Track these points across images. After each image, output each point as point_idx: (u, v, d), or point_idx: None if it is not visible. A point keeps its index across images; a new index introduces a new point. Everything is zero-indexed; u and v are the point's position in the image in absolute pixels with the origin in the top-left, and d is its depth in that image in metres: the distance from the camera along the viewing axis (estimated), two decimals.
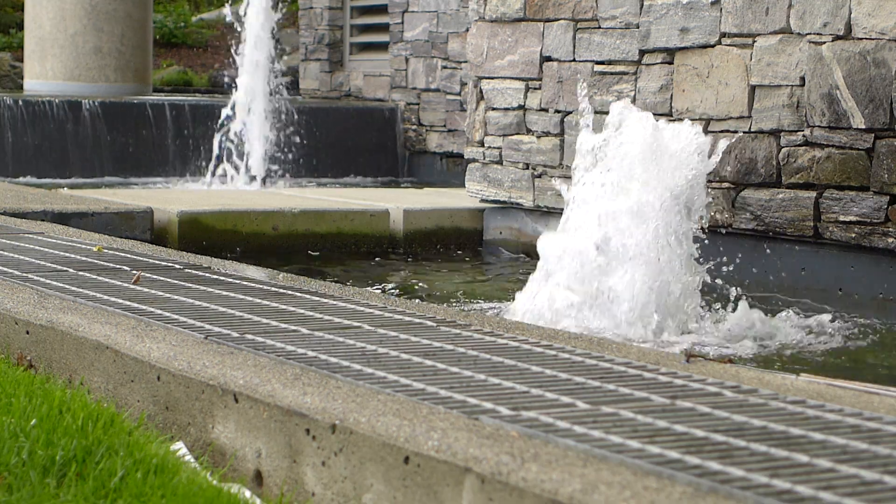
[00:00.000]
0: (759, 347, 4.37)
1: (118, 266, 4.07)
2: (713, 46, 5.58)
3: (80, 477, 2.25)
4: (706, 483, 1.84)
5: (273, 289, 3.66)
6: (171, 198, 6.89)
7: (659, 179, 4.56)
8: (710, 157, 4.69)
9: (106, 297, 3.42)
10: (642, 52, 5.91)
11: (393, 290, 5.42)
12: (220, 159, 9.64)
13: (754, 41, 5.40)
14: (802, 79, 5.23)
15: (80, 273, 3.90)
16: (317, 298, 3.50)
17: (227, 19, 9.89)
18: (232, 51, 9.81)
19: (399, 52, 10.57)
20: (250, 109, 9.63)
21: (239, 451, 2.46)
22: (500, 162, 6.67)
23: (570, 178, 5.49)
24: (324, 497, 2.26)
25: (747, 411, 2.29)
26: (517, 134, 6.57)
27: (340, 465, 2.23)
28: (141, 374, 2.79)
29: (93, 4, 11.07)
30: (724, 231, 5.45)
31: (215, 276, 3.90)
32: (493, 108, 6.67)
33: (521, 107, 6.52)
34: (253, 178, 9.45)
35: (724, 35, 5.54)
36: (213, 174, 9.66)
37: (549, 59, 6.37)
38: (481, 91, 6.74)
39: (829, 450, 2.03)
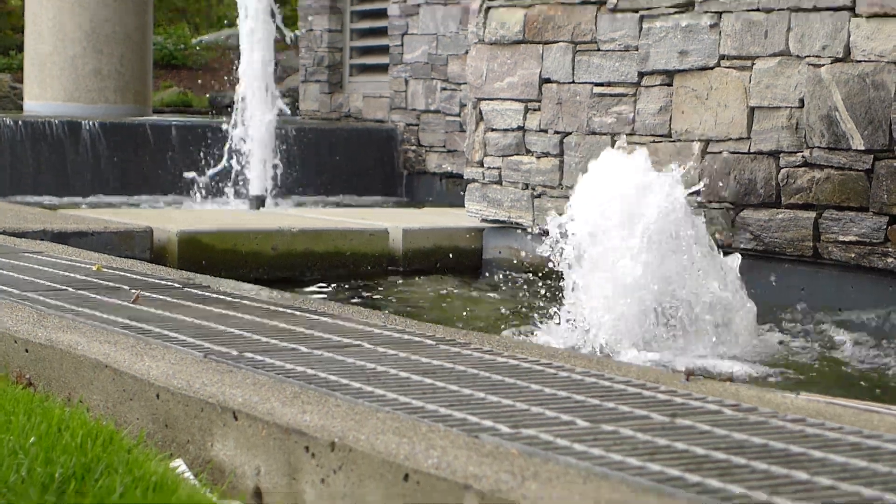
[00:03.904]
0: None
1: (117, 285, 4.07)
2: (712, 69, 5.60)
3: (80, 494, 2.25)
4: (706, 500, 1.84)
5: (272, 307, 3.66)
6: (171, 217, 6.89)
7: None
8: None
9: (105, 316, 3.42)
10: (641, 75, 5.92)
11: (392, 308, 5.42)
12: (219, 180, 9.65)
13: (753, 63, 5.41)
14: (801, 100, 5.24)
15: (80, 292, 3.89)
16: (316, 317, 3.50)
17: (230, 41, 9.90)
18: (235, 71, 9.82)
19: (399, 73, 10.60)
20: (250, 131, 9.65)
21: (238, 469, 2.46)
22: (499, 182, 6.68)
23: (568, 198, 5.49)
24: None
25: (747, 429, 2.29)
26: (516, 154, 6.58)
27: (340, 482, 2.23)
28: (140, 392, 2.79)
29: (92, 27, 11.11)
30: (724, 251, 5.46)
31: (214, 295, 3.90)
32: (493, 129, 6.68)
33: (521, 128, 6.54)
34: (252, 199, 9.46)
35: (723, 57, 5.55)
36: (214, 195, 9.66)
37: (548, 80, 6.39)
38: (481, 112, 6.76)
39: (829, 467, 2.03)
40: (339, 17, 11.50)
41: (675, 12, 5.75)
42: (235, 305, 3.69)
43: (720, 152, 5.55)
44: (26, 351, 3.24)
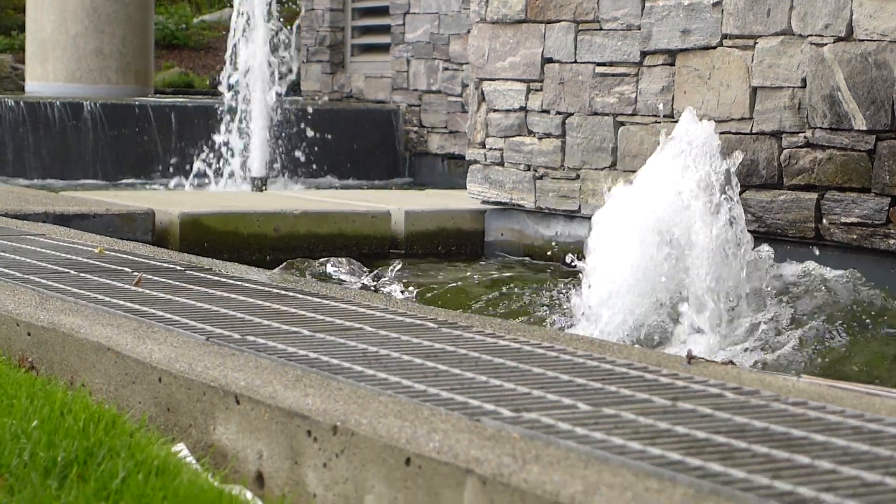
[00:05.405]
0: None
1: (119, 268, 4.07)
2: (714, 48, 5.58)
3: (82, 478, 2.25)
4: (708, 484, 1.84)
5: (274, 290, 3.66)
6: (173, 199, 6.89)
7: None
8: None
9: (107, 299, 3.42)
10: (644, 54, 5.91)
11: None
12: (221, 161, 9.65)
13: (756, 43, 5.40)
14: (804, 80, 5.23)
15: (82, 275, 3.90)
16: (318, 300, 3.50)
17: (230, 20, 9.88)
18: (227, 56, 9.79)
19: (400, 53, 10.58)
20: (252, 112, 9.64)
21: (240, 453, 2.46)
22: (501, 163, 6.67)
23: (571, 179, 5.49)
24: (325, 498, 2.26)
25: (749, 413, 2.29)
26: (518, 135, 6.57)
27: (342, 466, 2.23)
28: (142, 375, 2.79)
29: (94, 6, 11.08)
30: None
31: (217, 278, 3.90)
32: (495, 110, 6.67)
33: (523, 108, 6.52)
34: (254, 180, 9.46)
35: (725, 37, 5.54)
36: (215, 176, 9.66)
37: (550, 60, 6.37)
38: (482, 93, 6.74)
39: (831, 451, 2.03)
40: None
41: None
42: (237, 288, 3.70)
43: (722, 133, 5.54)
44: (28, 334, 3.24)
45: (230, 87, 9.70)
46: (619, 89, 6.02)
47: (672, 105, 5.78)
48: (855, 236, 5.05)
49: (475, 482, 1.97)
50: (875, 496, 1.80)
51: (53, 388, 2.85)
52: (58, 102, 9.77)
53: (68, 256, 4.31)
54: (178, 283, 3.75)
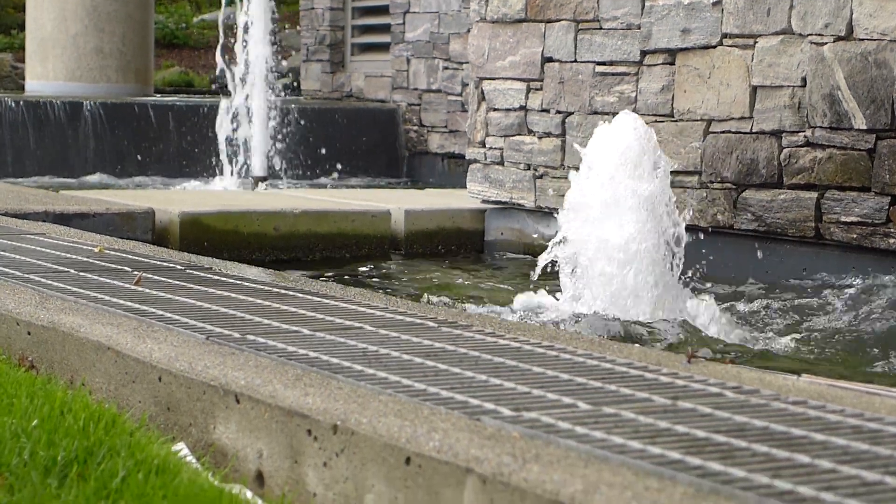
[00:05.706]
0: None
1: (119, 267, 4.07)
2: (714, 47, 5.58)
3: (82, 477, 2.25)
4: (708, 484, 1.84)
5: (274, 290, 3.66)
6: (173, 198, 6.89)
7: None
8: None
9: (107, 298, 3.42)
10: (644, 53, 5.91)
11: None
12: (221, 160, 9.65)
13: (756, 42, 5.40)
14: (804, 79, 5.23)
15: (82, 274, 3.90)
16: (318, 299, 3.50)
17: (228, 20, 9.88)
18: (218, 54, 9.77)
19: (400, 52, 10.58)
20: (251, 110, 9.64)
21: (240, 452, 2.46)
22: (501, 163, 6.67)
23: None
24: (325, 498, 2.26)
25: (749, 412, 2.29)
26: (518, 135, 6.57)
27: (342, 465, 2.23)
28: (142, 374, 2.79)
29: (94, 5, 11.08)
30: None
31: (217, 277, 3.90)
32: (495, 109, 6.67)
33: (523, 107, 6.53)
34: (254, 179, 9.46)
35: (725, 36, 5.54)
36: (215, 175, 9.66)
37: (550, 59, 6.37)
38: (482, 92, 6.74)
39: (831, 450, 2.03)
40: None
41: None
42: (237, 287, 3.70)
43: (722, 132, 5.54)
44: (28, 333, 3.24)
45: (227, 86, 9.70)
46: (619, 88, 6.02)
47: (672, 105, 5.78)
48: (855, 235, 5.05)
49: (475, 481, 1.97)
50: (875, 495, 1.80)
51: (53, 387, 2.85)
52: (57, 102, 9.77)
53: (68, 255, 4.31)
54: (178, 283, 3.76)
